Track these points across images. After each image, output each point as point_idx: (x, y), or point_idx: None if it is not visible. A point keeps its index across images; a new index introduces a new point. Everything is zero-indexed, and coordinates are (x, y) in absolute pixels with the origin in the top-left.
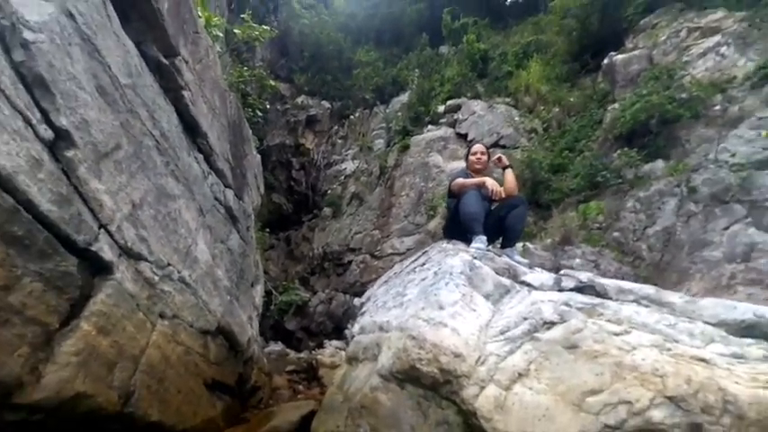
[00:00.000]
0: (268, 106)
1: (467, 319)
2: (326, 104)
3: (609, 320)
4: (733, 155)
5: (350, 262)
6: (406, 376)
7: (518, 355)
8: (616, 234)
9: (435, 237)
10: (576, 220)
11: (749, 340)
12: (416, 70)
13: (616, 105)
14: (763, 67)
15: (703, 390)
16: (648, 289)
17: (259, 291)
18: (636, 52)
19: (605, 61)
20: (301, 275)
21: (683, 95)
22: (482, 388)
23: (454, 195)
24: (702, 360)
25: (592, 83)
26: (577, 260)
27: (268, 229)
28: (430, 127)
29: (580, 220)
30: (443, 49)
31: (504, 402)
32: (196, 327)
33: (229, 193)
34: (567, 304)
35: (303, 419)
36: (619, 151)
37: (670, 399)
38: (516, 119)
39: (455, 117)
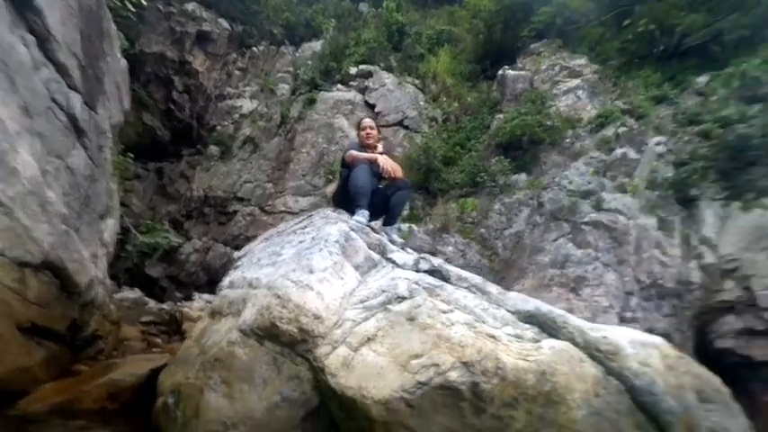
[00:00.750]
0: (144, 2)
1: (333, 285)
2: (225, 24)
3: (442, 300)
4: (570, 182)
5: (235, 212)
6: (266, 333)
7: (371, 322)
8: (482, 230)
9: (330, 203)
10: (456, 212)
11: (528, 326)
12: (333, 20)
13: (501, 116)
14: (600, 116)
15: (486, 358)
16: (477, 279)
17: (111, 225)
18: (522, 72)
19: (500, 72)
20: (173, 217)
21: (548, 123)
22: (334, 348)
23: (347, 166)
24: (493, 337)
25: (487, 89)
26: (450, 248)
27: (133, 156)
28: (340, 86)
29: (459, 212)
30: (363, 7)
31: (350, 362)
32: (9, 256)
33: (75, 98)
34: (417, 283)
35: (153, 373)
36: (496, 158)
37: (464, 363)
38: (422, 103)
39: (366, 84)
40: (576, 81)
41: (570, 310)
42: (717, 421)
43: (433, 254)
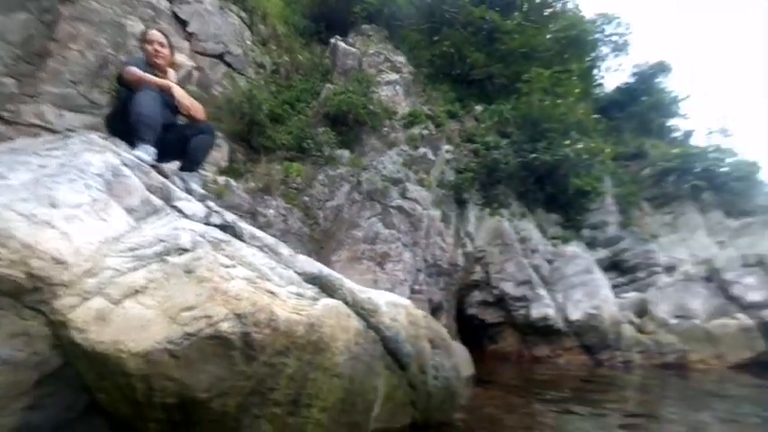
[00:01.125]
0: None
1: (88, 226)
2: None
3: (226, 255)
4: (384, 168)
5: None
6: None
7: (140, 273)
8: (306, 198)
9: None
10: (280, 174)
11: (311, 286)
12: None
13: (331, 86)
14: (411, 115)
15: (260, 311)
16: (270, 240)
17: None
18: (353, 50)
19: (332, 41)
20: None
21: (371, 107)
22: (85, 300)
23: (125, 86)
24: (272, 293)
25: (320, 54)
26: (271, 211)
27: None
28: None
29: (283, 175)
30: None
31: (107, 315)
32: None
33: None
34: (202, 236)
35: None
36: (323, 128)
37: (237, 315)
38: (248, 42)
39: None
40: (396, 76)
41: (375, 281)
42: (438, 360)
43: (252, 214)
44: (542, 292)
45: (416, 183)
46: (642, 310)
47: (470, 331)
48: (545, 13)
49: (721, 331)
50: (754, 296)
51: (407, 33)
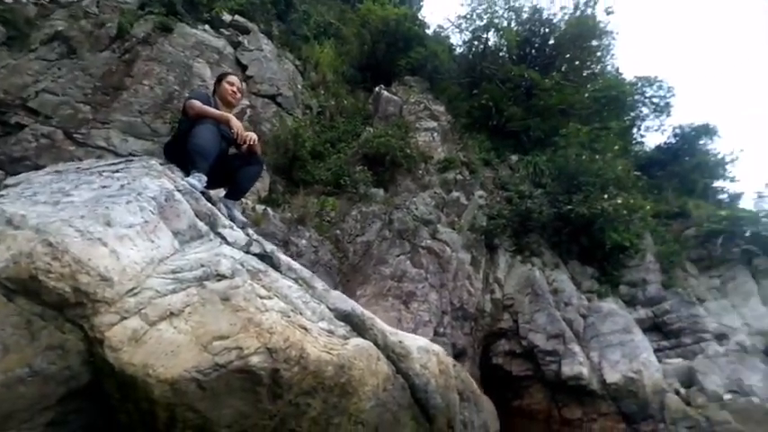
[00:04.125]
0: None
1: (138, 246)
2: None
3: (263, 286)
4: (417, 208)
5: (22, 126)
6: (21, 287)
7: (179, 296)
8: (338, 232)
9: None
10: (315, 208)
11: (343, 324)
12: None
13: (371, 129)
14: (446, 160)
15: (292, 347)
16: (306, 273)
17: None
18: (395, 98)
19: (376, 89)
20: None
21: (408, 151)
22: (123, 318)
23: (188, 117)
24: (305, 328)
25: (364, 99)
26: (304, 241)
27: None
28: (207, 27)
29: (318, 208)
30: None
31: (141, 336)
32: None
33: None
34: (241, 264)
35: None
36: (361, 167)
37: (269, 350)
38: (299, 87)
39: (240, 39)
40: (434, 123)
41: (399, 320)
42: (467, 415)
43: (285, 243)
44: (576, 348)
45: (447, 225)
46: (690, 380)
47: (494, 382)
48: (584, 74)
49: None
50: None
51: (447, 86)
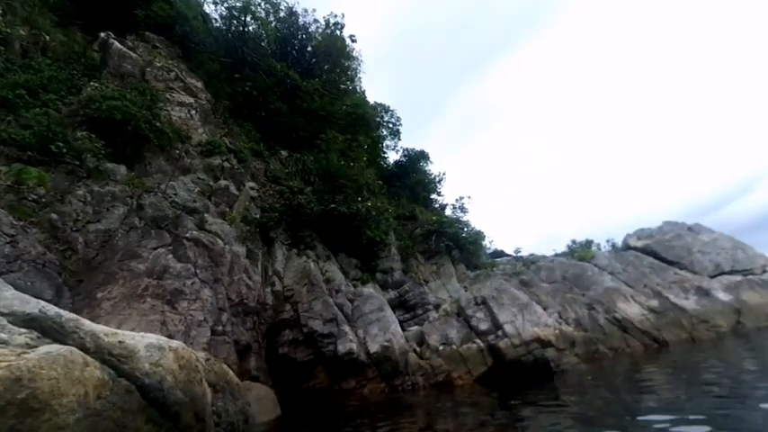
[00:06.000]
0: None
1: None
2: None
3: None
4: (176, 194)
5: None
6: None
7: None
8: (53, 216)
9: None
10: (5, 179)
11: (26, 330)
12: None
13: (97, 85)
14: (210, 143)
15: None
16: None
17: None
18: (132, 54)
19: (102, 35)
20: None
21: (158, 125)
22: None
23: None
24: None
25: (84, 43)
26: None
27: None
28: None
29: (10, 180)
30: None
31: None
32: None
33: None
34: None
35: None
36: (85, 133)
37: None
38: None
39: None
40: (191, 99)
41: (164, 322)
42: (221, 405)
43: None
44: (346, 328)
45: (217, 215)
46: (421, 340)
47: (284, 371)
48: (340, 87)
49: (468, 353)
50: (483, 326)
51: (204, 60)
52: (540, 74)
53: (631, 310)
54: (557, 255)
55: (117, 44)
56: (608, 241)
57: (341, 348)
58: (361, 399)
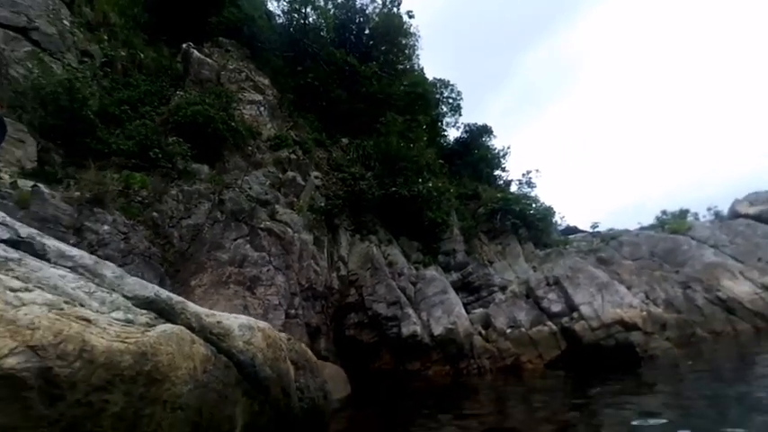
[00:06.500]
0: None
1: None
2: None
3: (16, 277)
4: (250, 188)
5: None
6: None
7: None
8: (155, 215)
9: None
10: (118, 185)
11: (145, 311)
12: None
13: (182, 94)
14: (278, 137)
15: (66, 341)
16: (88, 260)
17: None
18: (209, 60)
19: (183, 46)
20: None
21: (233, 125)
22: None
23: None
24: (86, 320)
25: (170, 56)
26: (106, 227)
27: None
28: None
29: (121, 186)
30: None
31: None
32: None
33: None
34: None
35: None
36: (175, 138)
37: (31, 348)
38: (65, 23)
39: None
40: (260, 97)
41: (245, 307)
42: (303, 381)
43: (79, 230)
44: (410, 311)
45: (286, 206)
46: (486, 323)
47: (351, 352)
48: (398, 68)
49: (538, 336)
50: (556, 308)
51: (270, 57)
52: (626, 25)
53: (740, 288)
54: (642, 228)
55: (196, 53)
56: (709, 209)
57: (404, 331)
58: (425, 380)
